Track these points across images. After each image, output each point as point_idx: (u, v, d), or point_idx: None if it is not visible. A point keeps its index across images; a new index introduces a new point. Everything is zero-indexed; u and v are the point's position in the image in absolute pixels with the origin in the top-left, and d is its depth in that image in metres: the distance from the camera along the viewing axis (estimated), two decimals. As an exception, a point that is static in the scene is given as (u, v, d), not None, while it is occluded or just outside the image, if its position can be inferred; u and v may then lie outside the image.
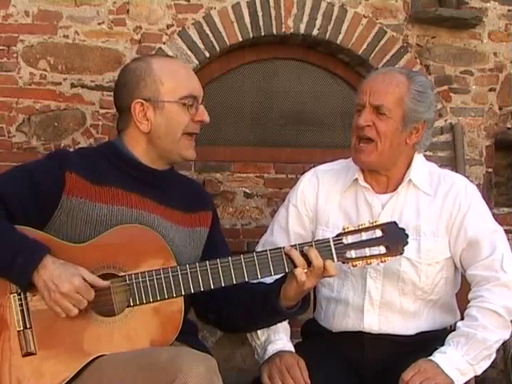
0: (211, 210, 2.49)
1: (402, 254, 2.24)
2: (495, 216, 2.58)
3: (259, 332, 2.48)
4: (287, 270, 2.22)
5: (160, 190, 2.35)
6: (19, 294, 2.15)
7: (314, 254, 2.19)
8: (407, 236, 2.24)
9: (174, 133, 2.32)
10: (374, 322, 2.50)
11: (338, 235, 2.22)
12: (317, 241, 2.24)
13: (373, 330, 2.49)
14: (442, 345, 2.39)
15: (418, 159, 2.55)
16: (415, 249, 2.47)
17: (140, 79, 2.33)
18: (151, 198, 2.32)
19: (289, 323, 2.54)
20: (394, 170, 2.53)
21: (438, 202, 2.51)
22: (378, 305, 2.49)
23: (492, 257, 2.44)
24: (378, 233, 2.21)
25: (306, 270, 2.19)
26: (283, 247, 2.23)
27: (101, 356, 2.14)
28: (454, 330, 2.43)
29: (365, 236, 2.21)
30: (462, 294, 2.58)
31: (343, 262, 2.22)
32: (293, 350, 2.46)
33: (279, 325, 2.46)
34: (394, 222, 2.25)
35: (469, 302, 2.45)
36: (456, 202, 2.49)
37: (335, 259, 2.20)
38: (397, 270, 2.47)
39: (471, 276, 2.47)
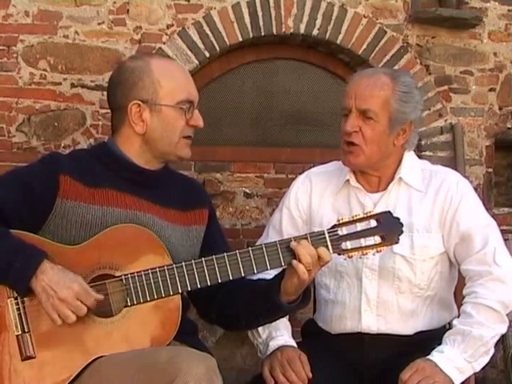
0: (208, 208, 2.47)
1: (397, 242, 2.22)
2: (495, 216, 2.58)
3: (260, 330, 2.48)
4: (283, 264, 2.20)
5: (154, 189, 2.34)
6: (16, 299, 2.14)
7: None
8: (402, 225, 2.22)
9: (170, 137, 2.30)
10: (372, 322, 2.50)
11: (332, 227, 2.21)
12: (312, 233, 2.22)
13: (371, 330, 2.49)
14: (440, 343, 2.39)
15: (409, 157, 2.56)
16: (409, 245, 2.47)
17: (138, 79, 2.29)
18: (145, 198, 2.31)
19: (289, 321, 2.53)
20: (383, 169, 2.54)
21: (429, 197, 2.51)
22: (375, 305, 2.49)
23: (484, 250, 2.43)
24: (373, 223, 2.20)
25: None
26: (278, 241, 2.20)
27: (100, 357, 2.13)
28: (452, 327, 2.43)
29: (360, 227, 2.19)
30: (460, 289, 2.58)
31: (339, 254, 2.20)
32: (295, 345, 2.46)
33: (279, 322, 2.46)
34: (389, 212, 2.24)
35: (463, 298, 2.45)
36: (447, 197, 2.50)
37: (331, 251, 2.19)
38: (392, 268, 2.47)
39: (465, 271, 2.48)
